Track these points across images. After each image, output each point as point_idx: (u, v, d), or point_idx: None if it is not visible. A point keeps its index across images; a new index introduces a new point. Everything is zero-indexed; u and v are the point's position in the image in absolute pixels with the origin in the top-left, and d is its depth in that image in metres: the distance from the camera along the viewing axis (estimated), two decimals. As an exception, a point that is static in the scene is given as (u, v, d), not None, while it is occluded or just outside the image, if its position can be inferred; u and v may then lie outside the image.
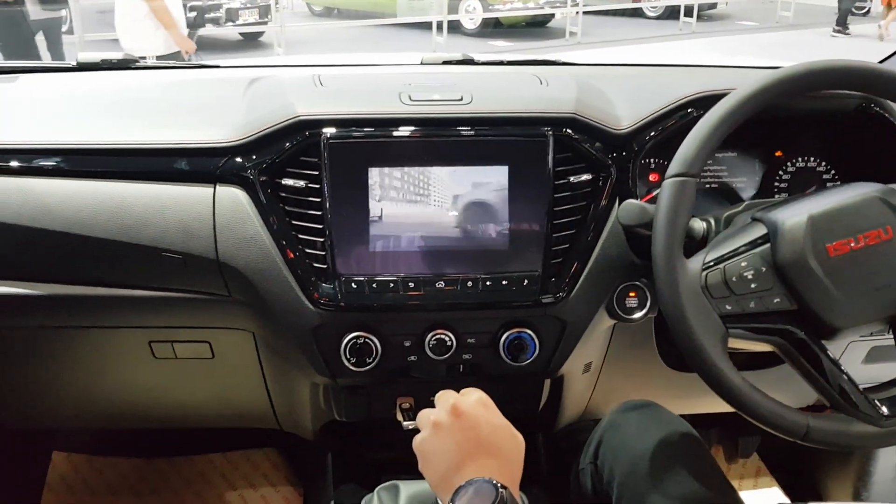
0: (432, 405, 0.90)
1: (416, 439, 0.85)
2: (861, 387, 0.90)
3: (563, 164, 1.04)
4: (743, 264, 0.90)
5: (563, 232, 1.05)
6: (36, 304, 1.08)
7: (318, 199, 1.01)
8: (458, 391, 0.91)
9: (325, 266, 1.02)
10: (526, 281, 1.04)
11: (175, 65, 1.54)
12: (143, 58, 1.40)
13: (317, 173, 1.01)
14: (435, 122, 1.02)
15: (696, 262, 0.91)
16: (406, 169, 1.01)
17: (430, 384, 1.11)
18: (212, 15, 9.07)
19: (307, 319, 1.04)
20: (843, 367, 0.90)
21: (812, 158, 1.23)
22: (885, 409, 0.89)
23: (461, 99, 1.04)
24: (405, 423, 1.08)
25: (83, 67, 1.33)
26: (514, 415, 0.91)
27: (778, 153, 1.23)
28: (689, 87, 1.09)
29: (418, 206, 1.02)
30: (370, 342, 1.05)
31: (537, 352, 1.08)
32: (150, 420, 1.35)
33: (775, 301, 0.90)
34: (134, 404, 1.28)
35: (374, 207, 1.01)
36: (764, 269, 0.90)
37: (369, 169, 1.01)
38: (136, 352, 1.16)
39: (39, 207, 1.03)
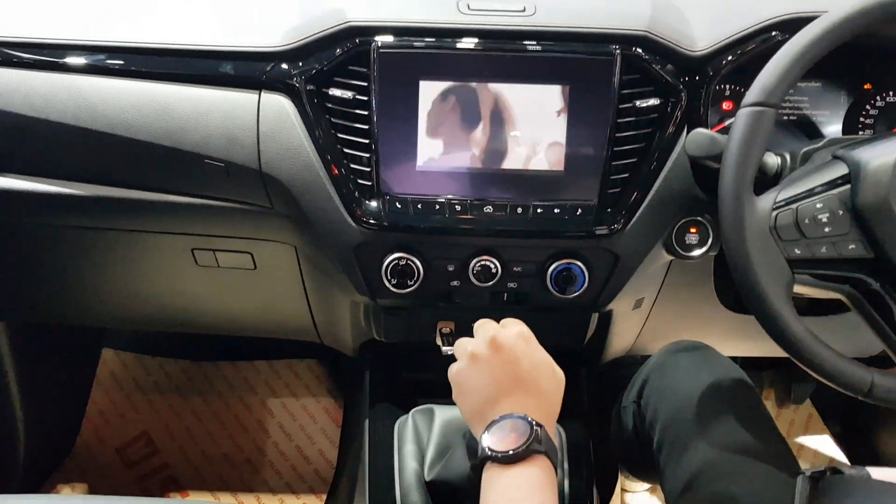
0: (472, 332, 0.88)
1: (452, 368, 0.82)
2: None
3: (630, 87, 0.96)
4: (818, 206, 0.83)
5: (623, 160, 0.98)
6: (81, 204, 1.07)
7: (366, 112, 0.96)
8: (498, 320, 0.88)
9: (369, 183, 0.98)
10: (579, 210, 0.99)
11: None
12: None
13: (365, 84, 0.95)
14: (493, 35, 0.95)
15: (766, 201, 0.84)
16: (460, 84, 0.95)
17: (472, 310, 1.08)
18: None
19: (349, 237, 1.01)
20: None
21: (905, 94, 1.12)
22: (961, 372, 0.83)
23: (524, 10, 0.97)
24: (444, 348, 1.06)
25: None
26: (557, 347, 0.88)
27: (867, 86, 1.12)
28: (775, 6, 0.99)
29: (470, 125, 0.96)
30: (412, 264, 1.01)
31: (586, 285, 1.03)
32: (193, 325, 1.36)
33: (850, 247, 0.83)
34: (178, 309, 1.29)
35: (424, 123, 0.96)
36: (841, 212, 0.82)
37: (420, 82, 0.95)
38: (180, 258, 1.15)
39: (84, 106, 1.00)
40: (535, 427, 0.70)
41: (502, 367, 0.77)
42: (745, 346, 1.33)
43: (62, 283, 1.26)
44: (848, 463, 1.63)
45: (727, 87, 1.06)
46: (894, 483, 0.65)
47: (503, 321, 0.86)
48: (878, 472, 0.68)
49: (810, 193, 0.84)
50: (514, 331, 0.81)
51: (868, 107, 1.12)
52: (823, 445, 1.68)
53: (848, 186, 0.83)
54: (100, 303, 1.30)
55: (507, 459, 0.69)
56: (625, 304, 1.14)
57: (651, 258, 1.05)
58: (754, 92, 0.82)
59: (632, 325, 1.24)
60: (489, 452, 0.70)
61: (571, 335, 1.15)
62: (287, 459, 1.58)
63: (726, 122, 1.05)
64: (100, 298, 1.29)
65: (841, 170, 0.84)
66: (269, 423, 1.64)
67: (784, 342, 0.83)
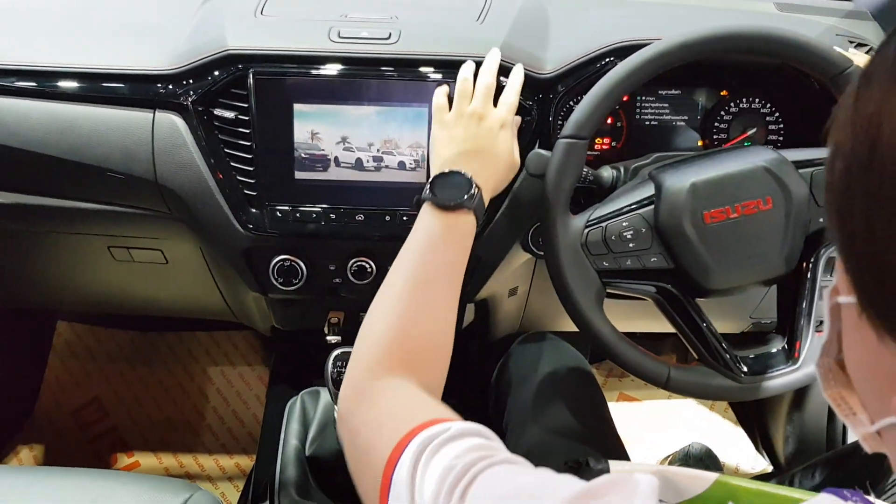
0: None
1: (446, 115, 0.96)
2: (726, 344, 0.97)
3: (485, 107, 1.07)
4: (624, 224, 0.95)
5: (480, 172, 1.10)
6: (4, 210, 1.19)
7: (248, 130, 1.07)
8: None
9: (254, 193, 1.10)
10: (441, 217, 1.10)
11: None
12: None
13: (246, 105, 1.06)
14: (358, 62, 1.05)
15: (580, 220, 0.96)
16: (330, 105, 1.06)
17: (360, 300, 1.21)
18: None
19: (238, 241, 1.13)
20: (711, 326, 0.96)
21: (757, 100, 1.22)
22: (745, 367, 0.96)
23: (388, 37, 1.07)
24: (329, 337, 1.19)
25: None
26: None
27: (724, 93, 1.23)
28: (620, 32, 1.09)
29: (341, 142, 1.07)
30: (296, 265, 1.13)
31: (452, 281, 1.15)
32: (123, 308, 1.49)
33: (652, 260, 0.95)
34: (103, 294, 1.42)
35: (299, 141, 1.07)
36: (644, 229, 0.94)
37: (294, 104, 1.06)
38: (98, 254, 1.28)
39: (1, 125, 1.11)
40: (474, 188, 0.84)
41: (476, 136, 0.91)
42: (625, 323, 1.46)
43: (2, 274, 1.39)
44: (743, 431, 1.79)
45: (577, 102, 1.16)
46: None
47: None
48: (616, 466, 0.81)
49: (619, 213, 0.95)
50: (501, 114, 0.94)
51: (723, 112, 1.22)
52: (719, 405, 1.83)
53: (652, 207, 0.95)
54: (36, 291, 1.43)
55: (443, 206, 0.83)
56: (498, 293, 1.27)
57: (511, 257, 1.17)
58: (568, 126, 0.93)
59: (513, 308, 1.36)
60: (429, 194, 0.84)
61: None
62: (224, 423, 1.74)
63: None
64: (35, 287, 1.42)
65: (649, 190, 0.96)
66: (208, 390, 1.79)
67: (595, 341, 0.96)
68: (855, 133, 0.35)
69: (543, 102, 1.09)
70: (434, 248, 0.81)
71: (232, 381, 1.80)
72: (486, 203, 0.89)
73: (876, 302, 0.37)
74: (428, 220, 0.83)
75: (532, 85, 1.08)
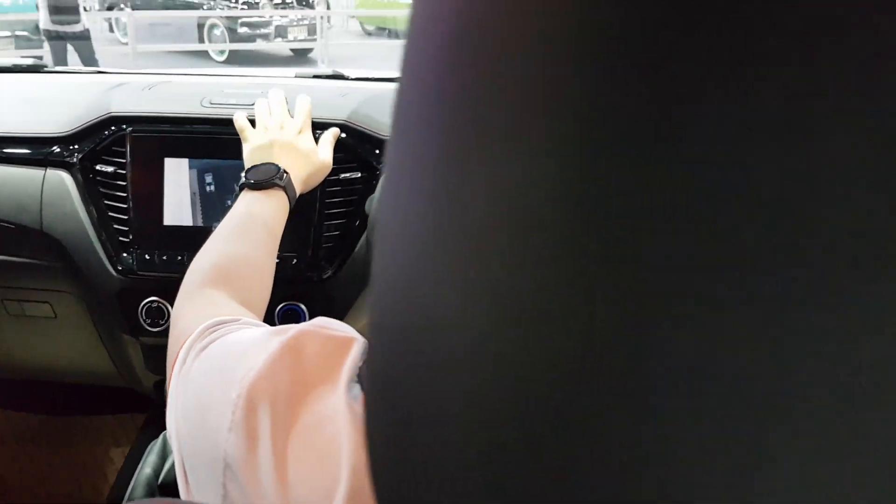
0: None
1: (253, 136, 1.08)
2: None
3: (337, 163, 1.21)
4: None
5: (334, 220, 1.23)
6: None
7: (124, 183, 1.21)
8: None
9: (127, 239, 1.22)
10: (295, 260, 1.22)
11: (78, 70, 1.76)
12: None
13: (124, 161, 1.21)
14: (223, 122, 1.21)
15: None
16: (197, 160, 1.20)
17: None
18: (262, 31, 9.65)
19: (112, 284, 1.23)
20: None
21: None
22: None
23: (253, 104, 1.23)
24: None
25: None
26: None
27: None
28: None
29: (206, 193, 1.21)
30: (162, 306, 1.23)
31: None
32: (18, 371, 1.56)
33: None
34: (4, 357, 1.49)
35: (168, 192, 1.20)
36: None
37: (165, 159, 1.20)
38: (-6, 308, 1.37)
39: None
40: (281, 171, 0.98)
41: (279, 139, 1.05)
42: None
43: None
44: None
45: None
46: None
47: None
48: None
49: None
50: (298, 122, 1.09)
51: None
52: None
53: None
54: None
55: (256, 186, 0.96)
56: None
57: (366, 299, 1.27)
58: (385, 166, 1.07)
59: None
60: (245, 180, 0.97)
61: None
62: (120, 500, 1.75)
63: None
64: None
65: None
66: (108, 470, 1.81)
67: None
68: None
69: (389, 160, 1.23)
70: (253, 213, 0.94)
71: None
72: (298, 191, 1.03)
73: None
74: (247, 198, 0.97)
75: (378, 144, 1.23)
